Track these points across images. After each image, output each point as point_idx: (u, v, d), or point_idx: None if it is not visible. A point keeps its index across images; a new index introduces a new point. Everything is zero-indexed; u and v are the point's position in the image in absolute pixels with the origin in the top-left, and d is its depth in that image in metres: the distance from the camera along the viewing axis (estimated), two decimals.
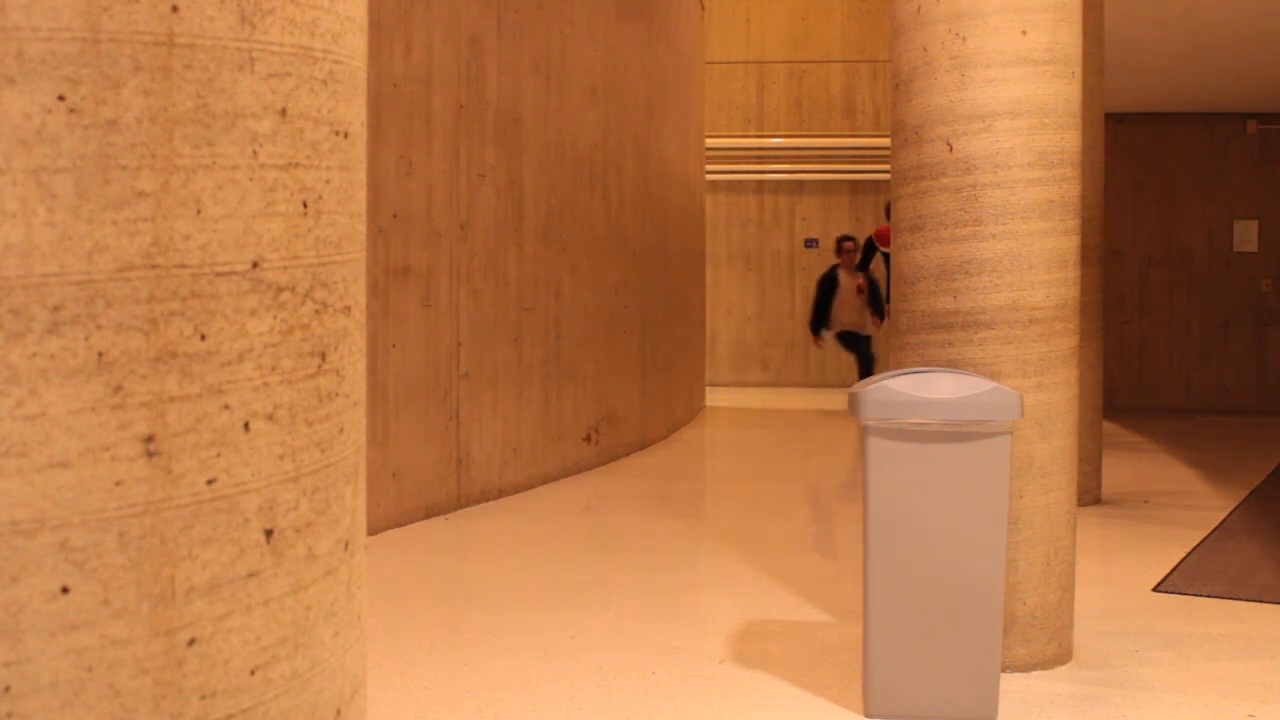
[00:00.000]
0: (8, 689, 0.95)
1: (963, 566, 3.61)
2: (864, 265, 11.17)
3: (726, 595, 5.12)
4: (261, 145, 1.08)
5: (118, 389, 0.99)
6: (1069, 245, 4.09)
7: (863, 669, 3.75)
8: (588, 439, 8.16)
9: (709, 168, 12.86)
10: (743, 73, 13.79)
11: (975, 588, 3.61)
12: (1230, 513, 6.91)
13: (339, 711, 1.20)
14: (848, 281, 11.11)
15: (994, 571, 3.60)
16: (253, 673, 1.09)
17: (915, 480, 3.60)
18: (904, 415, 3.59)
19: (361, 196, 1.24)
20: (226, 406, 1.06)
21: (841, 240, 11.30)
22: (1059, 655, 4.12)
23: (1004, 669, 4.04)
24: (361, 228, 1.24)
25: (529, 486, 7.40)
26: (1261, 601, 5.02)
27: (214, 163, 1.04)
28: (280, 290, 1.10)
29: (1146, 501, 7.27)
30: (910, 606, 3.63)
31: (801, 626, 4.59)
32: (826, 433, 10.85)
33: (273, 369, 1.10)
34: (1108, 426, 9.18)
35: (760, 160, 13.77)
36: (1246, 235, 12.19)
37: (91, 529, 0.98)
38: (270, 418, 1.09)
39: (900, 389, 3.61)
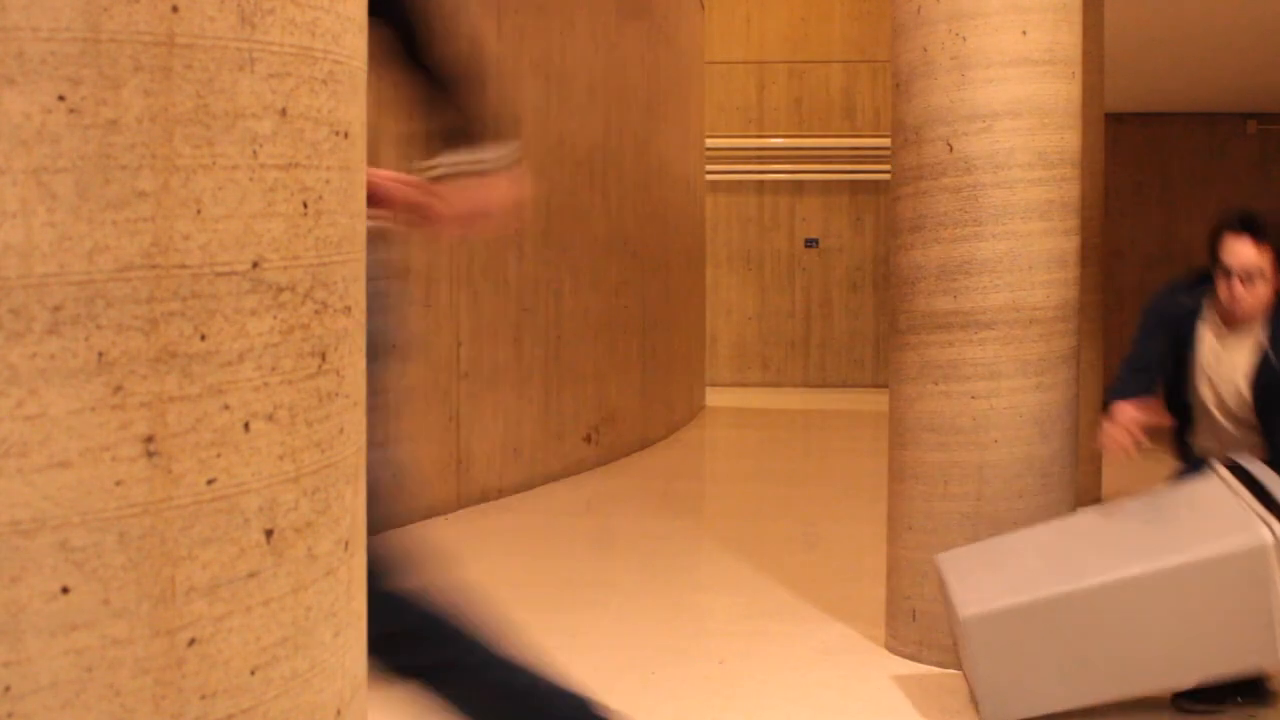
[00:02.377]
0: (8, 689, 0.95)
1: None
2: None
3: (726, 595, 5.12)
4: (261, 145, 1.08)
5: (118, 389, 0.99)
6: (1069, 245, 4.09)
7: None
8: (588, 439, 8.16)
9: (709, 168, 12.85)
10: (743, 73, 13.79)
11: None
12: None
13: (339, 712, 1.20)
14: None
15: None
16: (253, 673, 1.09)
17: None
18: None
19: (361, 196, 1.24)
20: (227, 406, 1.06)
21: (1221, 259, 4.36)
22: None
23: None
24: (361, 228, 1.24)
25: (529, 486, 7.40)
26: None
27: (214, 163, 1.04)
28: (280, 290, 1.10)
29: None
30: None
31: (801, 626, 4.59)
32: (826, 433, 10.85)
33: (273, 369, 1.10)
34: None
35: (760, 160, 13.77)
36: None
37: (91, 529, 0.98)
38: (270, 418, 1.09)
39: None
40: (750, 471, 8.99)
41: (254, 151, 1.07)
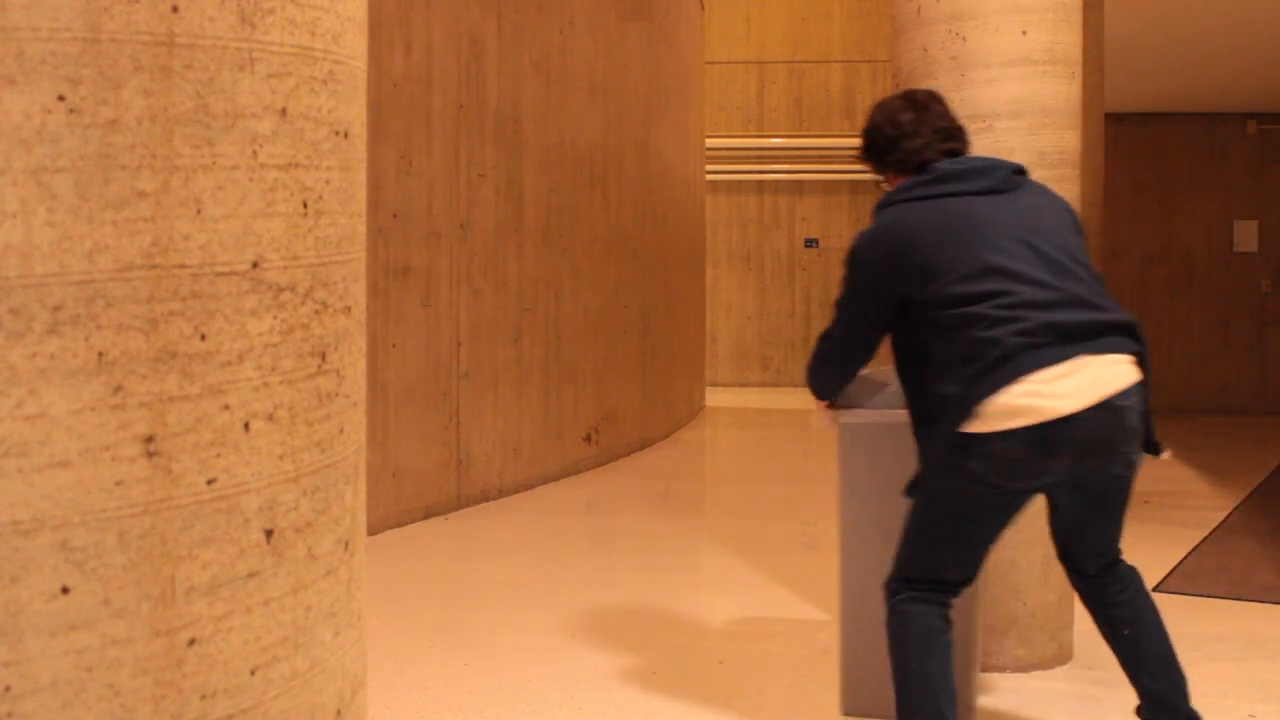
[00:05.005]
0: (8, 689, 0.95)
1: None
2: None
3: (726, 595, 5.12)
4: (261, 145, 1.08)
5: (118, 389, 0.99)
6: None
7: (839, 667, 3.76)
8: (588, 439, 8.16)
9: (709, 168, 12.85)
10: (743, 73, 13.79)
11: None
12: (1230, 513, 6.91)
13: (339, 711, 1.20)
14: None
15: None
16: (253, 673, 1.09)
17: (888, 474, 3.57)
18: (877, 405, 3.58)
19: (361, 196, 1.24)
20: (226, 406, 1.06)
21: None
22: (1059, 655, 4.12)
23: (1003, 669, 4.04)
24: (361, 228, 1.24)
25: (529, 486, 7.40)
26: (1262, 601, 5.02)
27: (214, 163, 1.04)
28: (280, 290, 1.10)
29: (1146, 501, 7.26)
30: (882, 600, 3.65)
31: (801, 626, 4.59)
32: (826, 432, 10.83)
33: (273, 369, 1.10)
34: None
35: (760, 160, 13.76)
36: (1246, 235, 12.18)
37: (91, 529, 0.98)
38: (270, 418, 1.09)
39: (874, 379, 3.62)
40: (750, 471, 8.98)
41: (254, 151, 1.07)
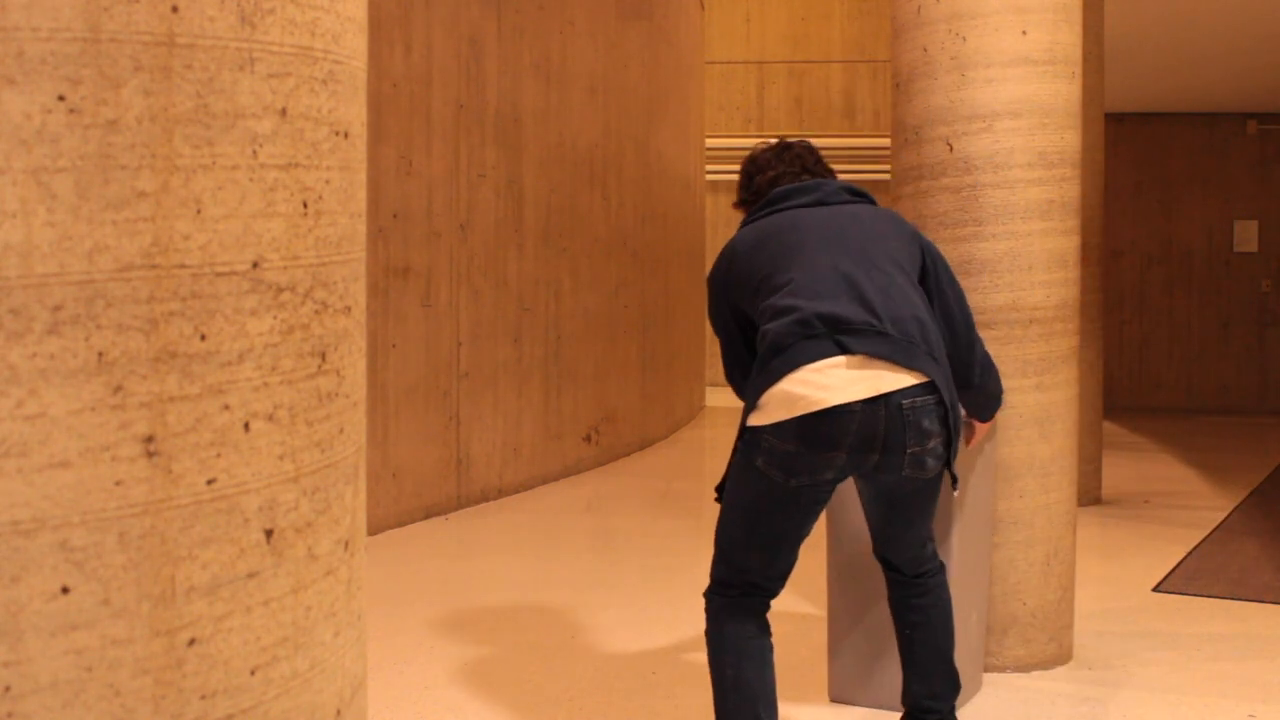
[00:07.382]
0: (8, 689, 0.95)
1: None
2: None
3: None
4: (261, 145, 1.08)
5: (118, 389, 0.99)
6: (1069, 245, 4.09)
7: (827, 655, 3.82)
8: (588, 439, 8.16)
9: (709, 168, 12.84)
10: (743, 73, 13.78)
11: None
12: (1230, 513, 6.91)
13: (339, 712, 1.20)
14: None
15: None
16: (253, 673, 1.09)
17: None
18: None
19: (361, 196, 1.24)
20: (226, 406, 1.06)
21: None
22: (1059, 655, 4.12)
23: (1004, 669, 4.04)
24: (361, 228, 1.24)
25: (529, 486, 7.40)
26: (1261, 601, 5.02)
27: (214, 163, 1.04)
28: (280, 290, 1.10)
29: (1146, 501, 7.26)
30: (868, 593, 3.67)
31: (801, 626, 4.59)
32: None
33: (273, 369, 1.10)
34: (1108, 426, 9.18)
35: None
36: (1246, 235, 12.18)
37: (91, 529, 0.98)
38: (270, 418, 1.09)
39: None
40: None
41: (254, 151, 1.07)
